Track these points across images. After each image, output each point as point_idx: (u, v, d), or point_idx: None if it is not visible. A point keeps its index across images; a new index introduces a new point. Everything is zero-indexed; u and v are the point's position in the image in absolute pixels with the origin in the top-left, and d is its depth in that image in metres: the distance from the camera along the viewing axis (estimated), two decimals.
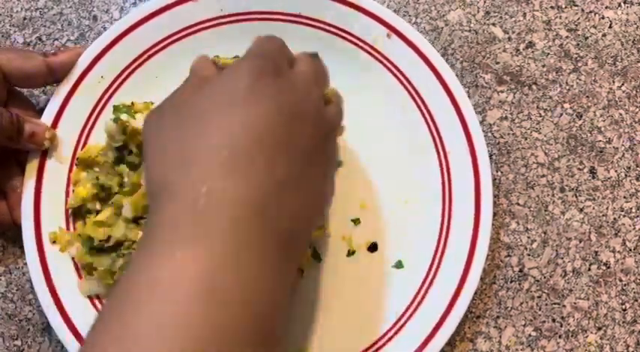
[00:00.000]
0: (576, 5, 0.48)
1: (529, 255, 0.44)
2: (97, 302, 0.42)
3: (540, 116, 0.46)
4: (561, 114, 0.46)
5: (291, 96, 0.31)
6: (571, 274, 0.43)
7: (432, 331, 0.40)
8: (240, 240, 0.27)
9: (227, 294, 0.26)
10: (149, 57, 0.45)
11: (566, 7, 0.48)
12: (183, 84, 0.34)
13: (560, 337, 0.43)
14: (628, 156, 0.45)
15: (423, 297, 0.41)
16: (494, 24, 0.47)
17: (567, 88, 0.46)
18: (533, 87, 0.46)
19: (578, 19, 0.47)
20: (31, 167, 0.43)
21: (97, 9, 0.49)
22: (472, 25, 0.47)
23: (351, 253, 0.43)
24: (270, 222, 0.28)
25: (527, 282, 0.43)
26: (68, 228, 0.43)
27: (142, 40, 0.45)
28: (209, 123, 0.29)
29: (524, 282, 0.43)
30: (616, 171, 0.45)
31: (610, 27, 0.47)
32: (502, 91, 0.46)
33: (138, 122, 0.41)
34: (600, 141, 0.45)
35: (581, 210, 0.44)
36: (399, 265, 0.43)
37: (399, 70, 0.44)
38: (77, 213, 0.43)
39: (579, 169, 0.45)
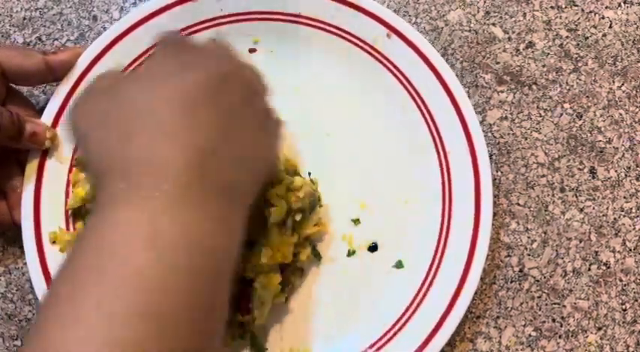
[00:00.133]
0: (576, 5, 0.48)
1: (529, 255, 0.44)
2: None
3: (540, 116, 0.46)
4: (561, 114, 0.46)
5: (213, 64, 0.33)
6: (571, 274, 0.43)
7: (432, 331, 0.40)
8: (181, 193, 0.29)
9: (167, 237, 0.28)
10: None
11: (566, 7, 0.48)
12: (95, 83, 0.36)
13: (560, 337, 0.43)
14: (628, 156, 0.45)
15: (423, 297, 0.41)
16: (494, 24, 0.47)
17: (567, 88, 0.46)
18: (534, 87, 0.46)
19: (578, 19, 0.47)
20: (31, 167, 0.43)
21: (96, 9, 0.49)
22: (472, 25, 0.47)
23: (351, 253, 0.43)
24: (209, 175, 0.30)
25: (527, 282, 0.43)
26: (68, 228, 0.43)
27: (142, 40, 0.45)
28: (146, 99, 0.31)
29: (524, 282, 0.43)
30: (616, 171, 0.45)
31: (610, 27, 0.47)
32: (502, 91, 0.46)
33: None
34: (600, 141, 0.45)
35: (581, 210, 0.44)
36: (399, 265, 0.43)
37: (399, 70, 0.44)
38: (77, 214, 0.43)
39: (579, 169, 0.45)
